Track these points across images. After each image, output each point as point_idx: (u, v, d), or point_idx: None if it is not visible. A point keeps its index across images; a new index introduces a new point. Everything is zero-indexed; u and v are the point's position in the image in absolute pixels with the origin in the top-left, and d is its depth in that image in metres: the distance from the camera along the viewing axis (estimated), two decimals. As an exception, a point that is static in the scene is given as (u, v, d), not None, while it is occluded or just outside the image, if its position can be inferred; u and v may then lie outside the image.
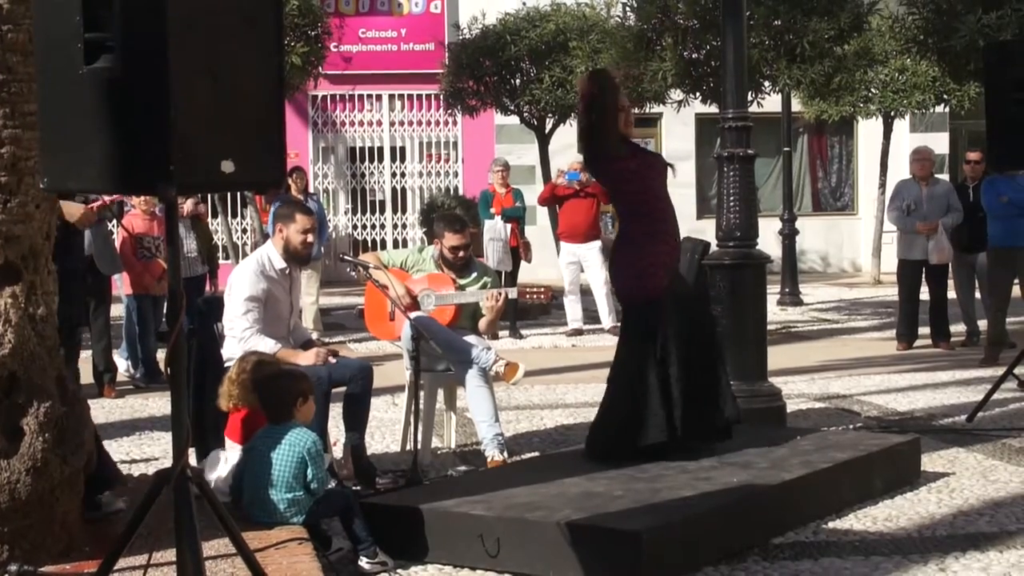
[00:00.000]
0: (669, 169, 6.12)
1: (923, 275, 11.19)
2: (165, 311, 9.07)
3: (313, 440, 4.94)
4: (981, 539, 5.17)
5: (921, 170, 11.25)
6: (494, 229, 12.61)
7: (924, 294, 11.32)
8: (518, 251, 12.78)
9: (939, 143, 21.31)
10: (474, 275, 6.97)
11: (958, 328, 11.56)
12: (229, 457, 5.28)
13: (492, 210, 12.74)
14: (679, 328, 5.86)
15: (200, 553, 3.47)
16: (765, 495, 5.31)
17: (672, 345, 5.83)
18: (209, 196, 15.07)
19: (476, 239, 11.49)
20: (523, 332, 12.82)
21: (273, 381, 5.15)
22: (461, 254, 6.87)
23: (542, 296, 7.17)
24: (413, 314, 6.53)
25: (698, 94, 12.07)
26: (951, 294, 11.47)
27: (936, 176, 11.60)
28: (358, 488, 5.97)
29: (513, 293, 7.30)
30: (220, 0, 3.41)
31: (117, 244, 9.49)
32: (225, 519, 3.62)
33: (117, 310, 10.02)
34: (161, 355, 9.13)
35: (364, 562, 4.75)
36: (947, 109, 18.65)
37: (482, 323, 6.81)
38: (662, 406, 5.76)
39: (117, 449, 6.83)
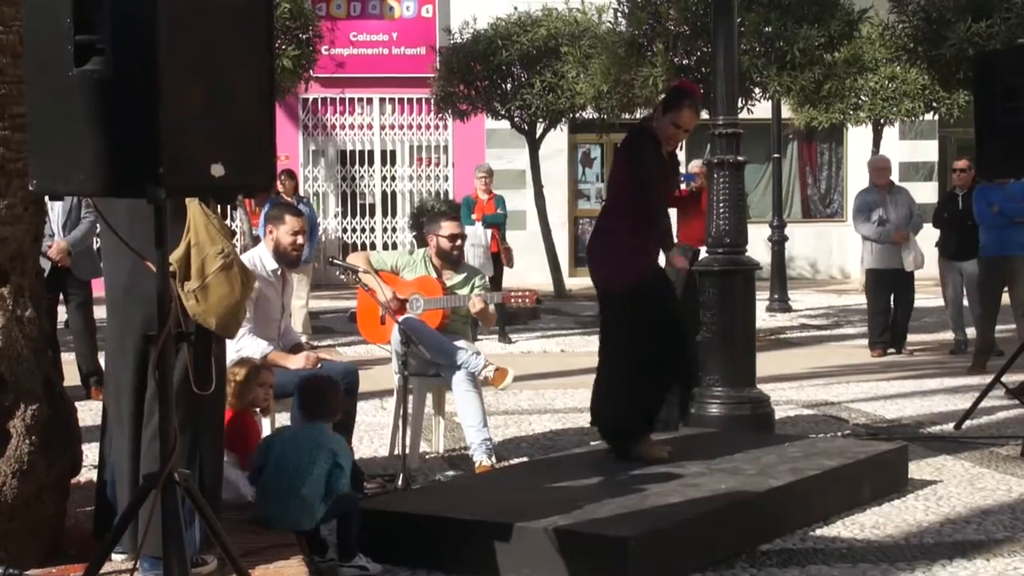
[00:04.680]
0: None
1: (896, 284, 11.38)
2: None
3: (344, 445, 5.02)
4: (968, 547, 5.19)
5: (882, 178, 11.47)
6: (475, 235, 12.65)
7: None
8: (500, 257, 12.82)
9: (928, 151, 21.43)
10: (464, 275, 7.02)
11: (946, 336, 11.60)
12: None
13: (474, 216, 12.83)
14: (657, 318, 5.93)
15: (186, 557, 3.46)
16: (753, 502, 5.32)
17: (650, 333, 5.91)
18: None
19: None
20: (512, 337, 12.83)
21: (326, 385, 5.26)
22: (459, 243, 6.92)
23: (527, 299, 7.16)
24: (402, 317, 6.54)
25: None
26: (939, 302, 11.53)
27: (894, 183, 11.76)
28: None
29: (497, 298, 7.32)
30: (211, 3, 3.40)
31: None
32: (212, 522, 3.61)
33: (100, 312, 10.00)
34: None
35: (340, 567, 4.76)
36: (936, 117, 18.71)
37: (481, 322, 6.90)
38: (639, 395, 5.93)
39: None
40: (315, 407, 5.12)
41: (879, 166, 11.64)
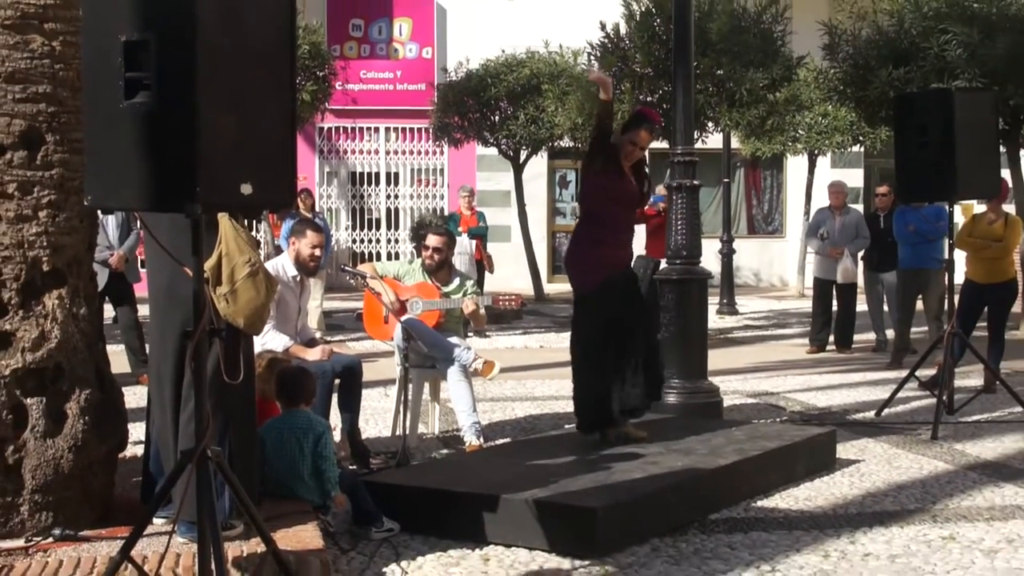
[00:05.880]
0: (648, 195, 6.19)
1: (834, 291, 11.33)
2: None
3: (325, 423, 5.04)
4: (886, 516, 5.22)
5: (836, 200, 11.45)
6: (460, 245, 12.93)
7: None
8: (482, 263, 13.17)
9: (855, 178, 21.47)
10: (456, 282, 7.01)
11: (869, 336, 11.64)
12: None
13: (460, 229, 13.12)
14: (618, 316, 5.90)
15: (217, 522, 3.46)
16: (704, 478, 5.34)
17: (613, 328, 5.88)
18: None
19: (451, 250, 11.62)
20: (497, 335, 12.88)
21: (299, 374, 5.17)
22: (436, 256, 6.89)
23: (513, 303, 7.18)
24: (404, 317, 6.55)
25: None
26: (863, 307, 11.58)
27: (849, 206, 11.76)
28: (353, 467, 5.96)
29: (487, 301, 7.32)
30: (242, 44, 3.40)
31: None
32: (239, 491, 3.61)
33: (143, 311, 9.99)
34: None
35: (373, 532, 4.76)
36: (862, 149, 18.76)
37: (473, 323, 6.89)
38: (611, 380, 5.87)
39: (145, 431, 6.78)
40: (291, 394, 5.08)
41: (833, 189, 11.64)
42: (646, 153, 6.13)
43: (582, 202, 6.17)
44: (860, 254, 11.48)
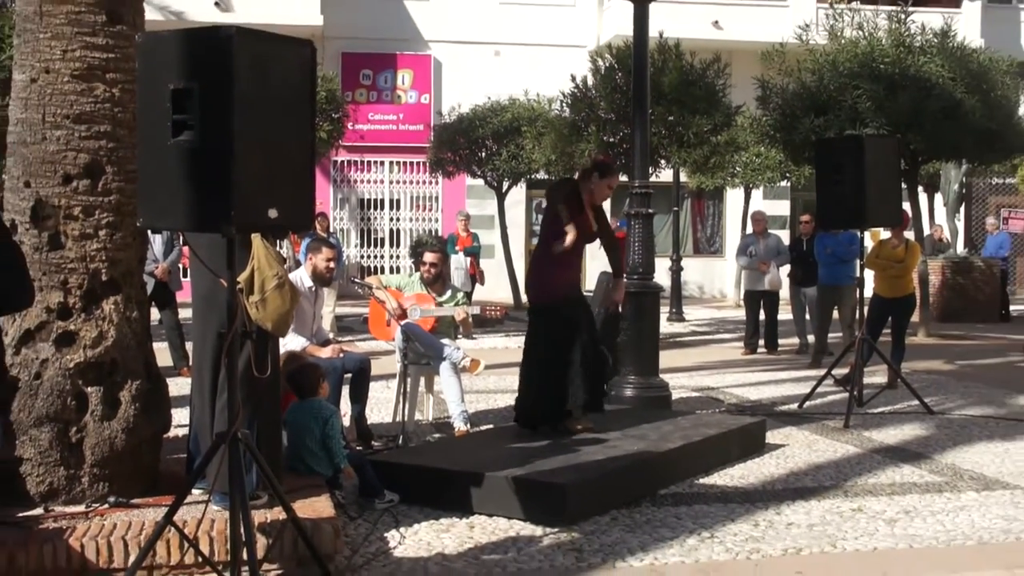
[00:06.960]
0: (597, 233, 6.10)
1: (761, 301, 11.43)
2: None
3: (332, 408, 5.03)
4: (806, 492, 5.26)
5: (757, 227, 11.59)
6: (457, 261, 13.14)
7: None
8: (475, 277, 13.24)
9: (782, 208, 21.62)
10: (449, 292, 7.02)
11: (793, 341, 11.71)
12: None
13: (457, 248, 13.17)
14: (570, 327, 5.82)
15: (246, 493, 3.47)
16: (655, 459, 5.37)
17: (561, 337, 5.81)
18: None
19: (445, 265, 11.68)
20: (484, 337, 12.87)
21: (304, 370, 5.16)
22: (432, 270, 6.90)
23: (497, 312, 7.21)
24: (404, 322, 6.56)
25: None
26: (785, 316, 11.67)
27: (769, 231, 11.85)
28: (360, 448, 5.96)
29: (476, 310, 7.33)
30: (270, 92, 3.42)
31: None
32: (264, 468, 3.62)
33: (184, 313, 9.93)
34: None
35: (377, 503, 4.77)
36: (789, 183, 18.90)
37: (462, 328, 6.89)
38: (551, 385, 5.77)
39: (187, 416, 6.76)
40: (302, 388, 5.09)
41: (755, 218, 11.80)
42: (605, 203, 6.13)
43: (543, 228, 6.00)
44: (785, 271, 11.59)
